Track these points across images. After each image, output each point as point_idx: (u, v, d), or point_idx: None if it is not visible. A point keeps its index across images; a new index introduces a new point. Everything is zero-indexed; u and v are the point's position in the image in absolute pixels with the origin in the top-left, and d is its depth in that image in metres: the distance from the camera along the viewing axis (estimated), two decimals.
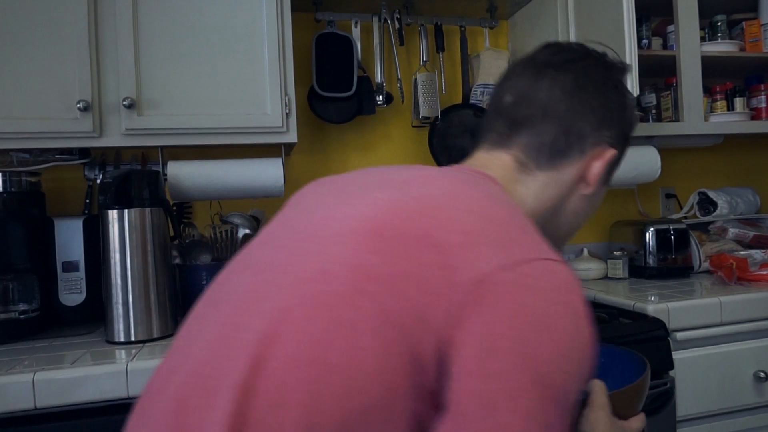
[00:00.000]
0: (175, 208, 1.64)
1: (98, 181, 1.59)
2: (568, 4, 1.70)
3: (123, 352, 1.20)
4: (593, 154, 0.78)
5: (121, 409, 1.10)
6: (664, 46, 1.97)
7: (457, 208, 0.60)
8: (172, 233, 1.46)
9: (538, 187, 0.77)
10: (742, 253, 1.79)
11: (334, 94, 1.76)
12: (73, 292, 1.48)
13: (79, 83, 1.38)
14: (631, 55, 1.39)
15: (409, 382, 0.51)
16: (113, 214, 1.29)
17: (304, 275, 0.57)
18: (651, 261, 1.87)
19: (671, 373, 1.37)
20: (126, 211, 1.29)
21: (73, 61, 1.38)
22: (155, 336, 1.31)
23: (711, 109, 2.01)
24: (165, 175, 1.51)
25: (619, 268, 1.89)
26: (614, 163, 0.81)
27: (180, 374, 0.57)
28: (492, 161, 0.78)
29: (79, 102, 1.36)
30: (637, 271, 1.91)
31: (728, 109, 2.01)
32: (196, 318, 0.65)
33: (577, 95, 0.76)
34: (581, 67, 0.78)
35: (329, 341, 0.51)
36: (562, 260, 0.59)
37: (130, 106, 1.39)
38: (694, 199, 2.15)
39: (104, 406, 1.09)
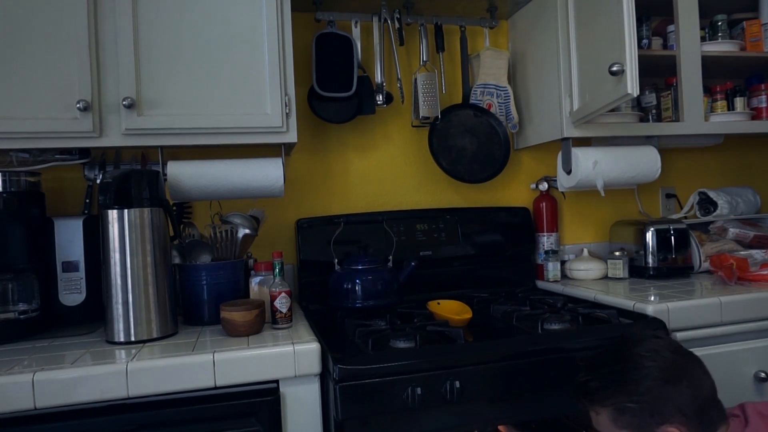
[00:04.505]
0: (175, 208, 1.64)
1: (98, 181, 1.59)
2: (568, 4, 1.70)
3: (123, 352, 1.20)
4: None
5: (121, 409, 1.10)
6: (664, 46, 1.97)
7: None
8: (172, 233, 1.46)
9: None
10: (742, 253, 1.80)
11: (334, 94, 1.76)
12: (73, 292, 1.48)
13: (79, 83, 1.38)
14: (631, 55, 1.39)
15: None
16: (113, 214, 1.29)
17: None
18: (651, 261, 1.87)
19: None
20: (126, 211, 1.29)
21: (73, 61, 1.38)
22: (155, 336, 1.31)
23: (711, 109, 2.01)
24: (165, 175, 1.51)
25: (619, 268, 1.89)
26: None
27: None
28: None
29: (79, 102, 1.36)
30: (637, 271, 1.91)
31: (728, 109, 2.01)
32: None
33: None
34: None
35: None
36: None
37: (130, 106, 1.39)
38: (694, 199, 2.16)
39: (104, 406, 1.10)
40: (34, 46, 1.36)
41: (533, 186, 2.07)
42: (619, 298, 1.57)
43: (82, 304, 1.48)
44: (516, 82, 2.03)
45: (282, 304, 1.36)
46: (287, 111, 1.51)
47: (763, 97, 2.00)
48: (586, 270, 1.93)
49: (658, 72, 2.01)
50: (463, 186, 2.03)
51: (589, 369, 1.11)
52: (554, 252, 1.94)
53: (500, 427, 1.35)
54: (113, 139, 1.42)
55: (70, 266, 1.47)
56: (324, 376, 1.22)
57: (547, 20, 1.81)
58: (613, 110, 1.79)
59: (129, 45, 1.41)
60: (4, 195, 1.38)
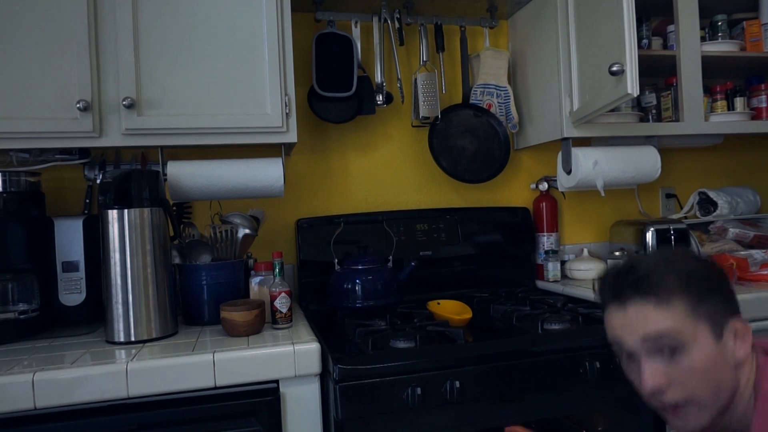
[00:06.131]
0: (175, 208, 1.64)
1: (98, 181, 1.59)
2: (568, 4, 1.70)
3: (123, 352, 1.20)
4: None
5: (121, 409, 1.10)
6: (664, 46, 1.97)
7: None
8: (172, 233, 1.46)
9: None
10: (742, 253, 1.80)
11: (334, 94, 1.76)
12: (73, 292, 1.48)
13: (79, 83, 1.38)
14: (631, 55, 1.39)
15: None
16: (113, 214, 1.29)
17: None
18: None
19: None
20: (126, 211, 1.29)
21: (73, 61, 1.38)
22: (155, 336, 1.31)
23: (711, 109, 2.01)
24: (165, 175, 1.51)
25: None
26: None
27: None
28: None
29: (79, 102, 1.36)
30: None
31: (728, 109, 2.01)
32: None
33: None
34: None
35: None
36: None
37: (130, 106, 1.39)
38: (694, 199, 2.16)
39: (104, 406, 1.09)
40: (34, 46, 1.36)
41: (533, 186, 2.07)
42: None
43: (82, 304, 1.48)
44: (516, 82, 2.03)
45: (282, 304, 1.36)
46: (287, 111, 1.51)
47: (763, 97, 2.00)
48: (586, 270, 1.93)
49: (658, 72, 2.01)
50: (463, 186, 2.03)
51: (638, 267, 0.94)
52: (554, 252, 1.94)
53: (507, 429, 1.32)
54: (113, 139, 1.42)
55: (70, 266, 1.47)
56: (324, 376, 1.22)
57: (547, 20, 1.81)
58: (613, 110, 1.79)
59: (129, 45, 1.41)
60: (4, 195, 1.38)
